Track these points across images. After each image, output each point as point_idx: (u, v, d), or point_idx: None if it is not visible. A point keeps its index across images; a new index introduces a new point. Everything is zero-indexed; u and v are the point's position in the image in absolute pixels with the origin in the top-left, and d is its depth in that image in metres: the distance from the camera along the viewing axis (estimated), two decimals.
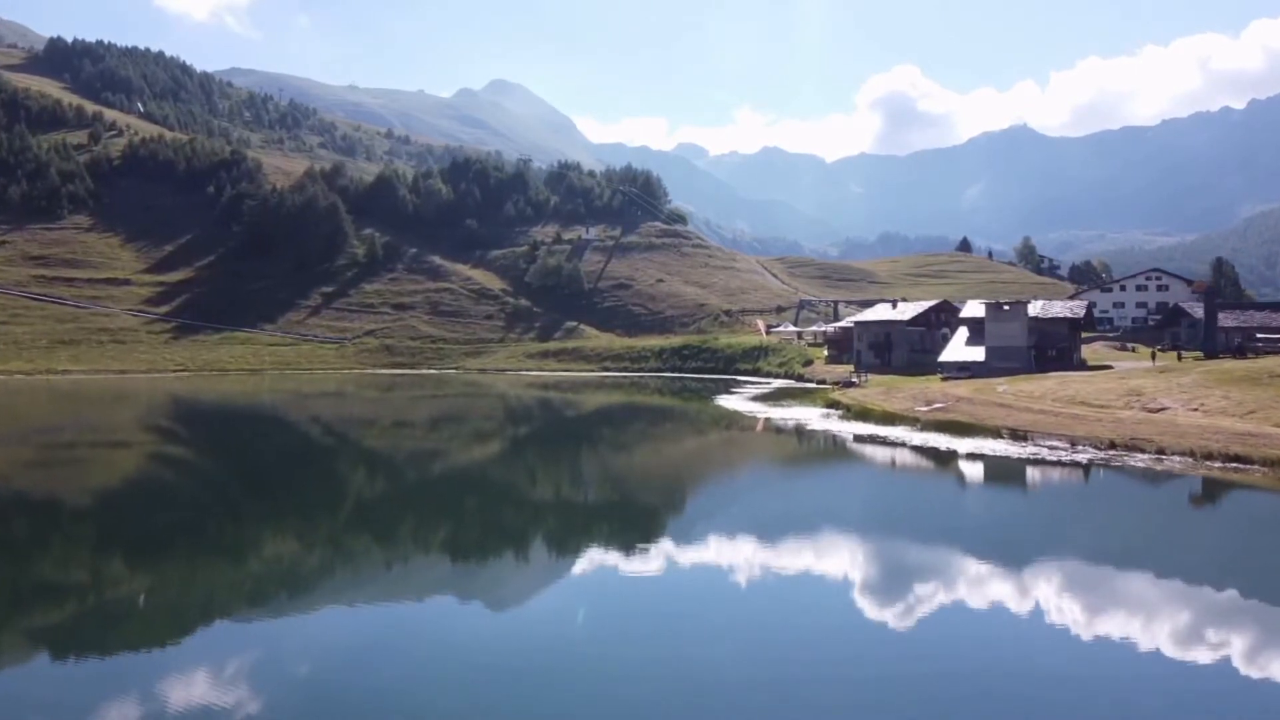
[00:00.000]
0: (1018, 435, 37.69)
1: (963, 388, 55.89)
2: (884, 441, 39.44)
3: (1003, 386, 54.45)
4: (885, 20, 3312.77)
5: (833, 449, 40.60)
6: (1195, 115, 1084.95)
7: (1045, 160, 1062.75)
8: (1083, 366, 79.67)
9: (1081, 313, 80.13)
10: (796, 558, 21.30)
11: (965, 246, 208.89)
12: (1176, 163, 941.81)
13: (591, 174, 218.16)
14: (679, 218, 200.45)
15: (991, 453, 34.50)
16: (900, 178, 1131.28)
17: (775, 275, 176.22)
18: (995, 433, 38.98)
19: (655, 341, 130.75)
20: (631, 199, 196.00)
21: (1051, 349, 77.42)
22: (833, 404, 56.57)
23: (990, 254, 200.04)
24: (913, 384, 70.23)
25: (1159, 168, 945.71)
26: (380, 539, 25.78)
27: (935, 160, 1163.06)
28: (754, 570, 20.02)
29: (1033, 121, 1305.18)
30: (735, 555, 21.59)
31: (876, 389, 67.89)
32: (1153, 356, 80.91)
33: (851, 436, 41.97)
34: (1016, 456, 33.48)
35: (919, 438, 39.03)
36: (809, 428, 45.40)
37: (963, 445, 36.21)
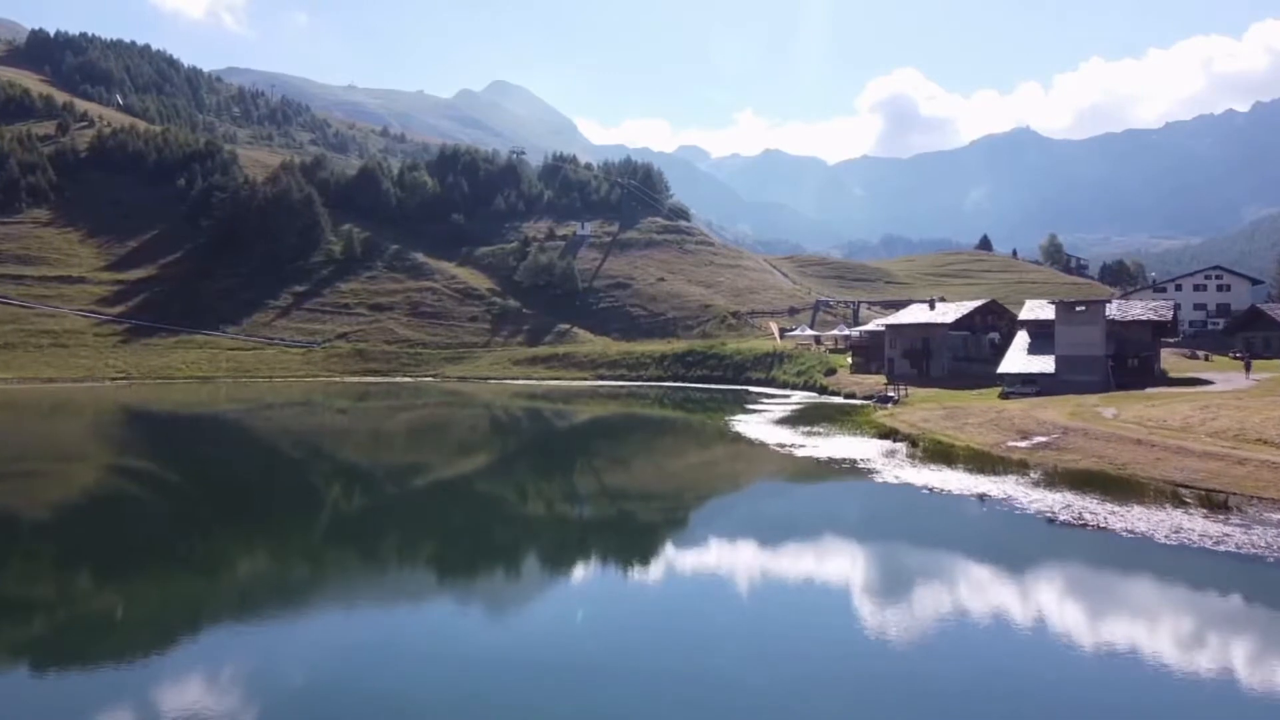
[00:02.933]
0: (1213, 502, 24.57)
1: (1053, 411, 42.87)
2: (1007, 507, 26.26)
3: (1110, 411, 41.49)
4: (887, 23, 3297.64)
5: (939, 522, 27.53)
6: (1199, 118, 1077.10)
7: (1048, 163, 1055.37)
8: (1164, 379, 66.92)
9: (1169, 315, 67.21)
10: None
11: (986, 245, 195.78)
12: (1181, 166, 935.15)
13: (589, 167, 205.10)
14: (681, 213, 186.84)
15: (1208, 542, 21.27)
16: (902, 180, 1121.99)
17: (785, 274, 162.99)
18: (1170, 494, 25.92)
19: (656, 347, 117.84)
20: (631, 192, 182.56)
21: (1132, 358, 64.66)
22: (886, 432, 43.42)
23: (1015, 253, 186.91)
24: (969, 401, 57.38)
25: (1163, 171, 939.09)
26: (370, 565, 24.73)
27: (938, 163, 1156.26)
28: None
29: (1035, 124, 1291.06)
30: None
31: (929, 408, 54.87)
32: (1246, 368, 67.63)
33: (931, 492, 28.80)
34: (1265, 555, 20.28)
35: (1054, 501, 25.90)
36: (876, 477, 32.23)
37: (1138, 522, 23.09)
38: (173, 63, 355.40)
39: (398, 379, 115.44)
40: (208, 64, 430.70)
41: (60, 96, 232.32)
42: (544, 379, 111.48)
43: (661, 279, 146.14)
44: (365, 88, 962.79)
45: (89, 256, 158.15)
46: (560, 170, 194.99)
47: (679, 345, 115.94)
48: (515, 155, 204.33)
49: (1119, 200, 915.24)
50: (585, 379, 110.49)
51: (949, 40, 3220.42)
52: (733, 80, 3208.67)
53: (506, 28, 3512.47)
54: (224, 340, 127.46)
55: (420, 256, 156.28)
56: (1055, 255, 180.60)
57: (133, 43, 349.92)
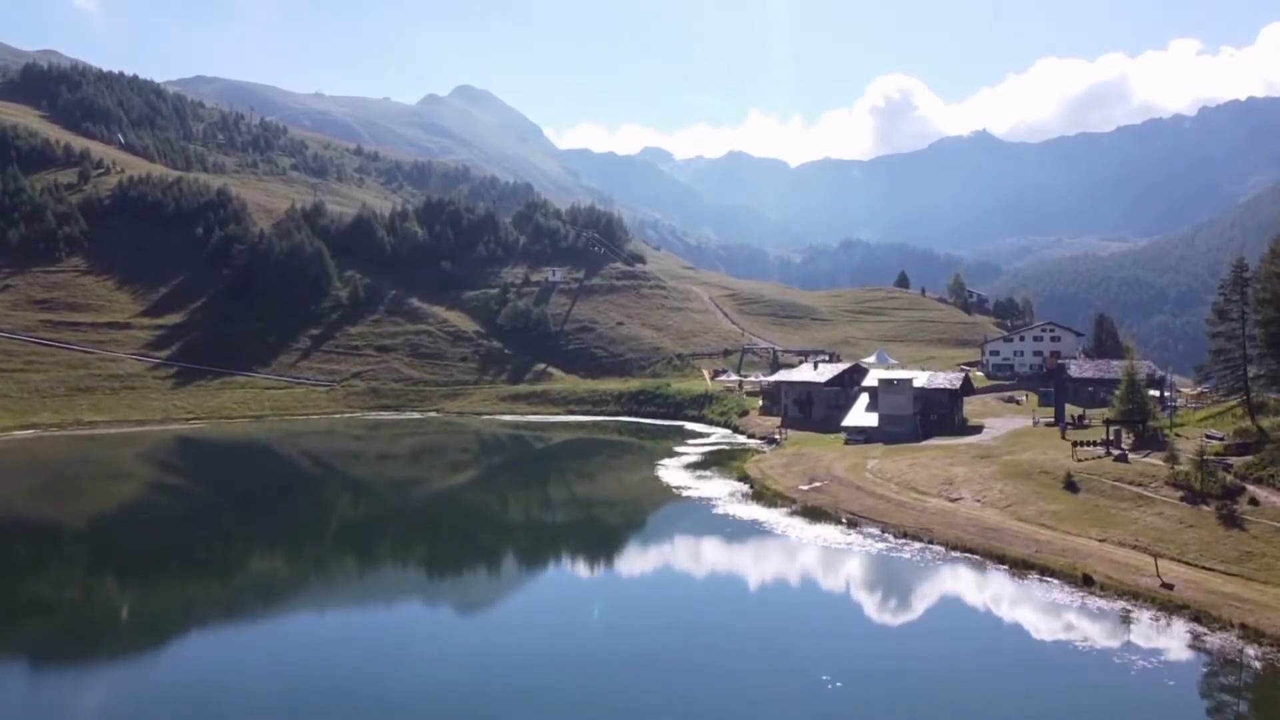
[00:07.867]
0: (852, 522, 54.15)
1: (841, 464, 72.18)
2: (755, 526, 55.77)
3: (872, 462, 70.93)
4: (849, 25, 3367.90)
5: (719, 533, 57.08)
6: (1149, 122, 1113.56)
7: (1005, 166, 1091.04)
8: (963, 426, 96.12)
9: (959, 384, 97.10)
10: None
11: (903, 282, 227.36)
12: (1135, 170, 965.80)
13: (557, 214, 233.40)
14: (638, 258, 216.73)
15: (820, 542, 50.86)
16: (862, 183, 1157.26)
17: (726, 314, 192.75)
18: (837, 520, 55.42)
19: (615, 385, 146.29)
20: (594, 241, 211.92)
21: (934, 414, 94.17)
22: (744, 477, 72.64)
23: (924, 291, 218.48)
24: (819, 448, 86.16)
25: (1118, 174, 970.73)
26: (389, 564, 36.70)
27: (898, 165, 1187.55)
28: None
29: (994, 128, 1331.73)
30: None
31: (788, 453, 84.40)
32: (1034, 422, 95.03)
33: (734, 519, 58.40)
34: (831, 545, 50.01)
35: (781, 524, 55.23)
36: (714, 509, 61.47)
37: (807, 533, 52.60)
38: (159, 92, 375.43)
39: (406, 415, 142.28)
40: (173, 74, 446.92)
41: (77, 143, 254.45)
42: (526, 414, 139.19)
43: (620, 323, 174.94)
44: (332, 95, 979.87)
45: (126, 302, 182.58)
46: (532, 219, 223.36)
47: (634, 384, 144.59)
48: (493, 203, 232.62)
49: (1075, 203, 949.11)
50: (559, 413, 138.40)
51: (908, 43, 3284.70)
52: (697, 83, 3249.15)
53: (471, 30, 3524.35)
54: (259, 380, 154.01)
55: (415, 301, 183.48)
56: (959, 292, 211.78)
57: (121, 73, 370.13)
